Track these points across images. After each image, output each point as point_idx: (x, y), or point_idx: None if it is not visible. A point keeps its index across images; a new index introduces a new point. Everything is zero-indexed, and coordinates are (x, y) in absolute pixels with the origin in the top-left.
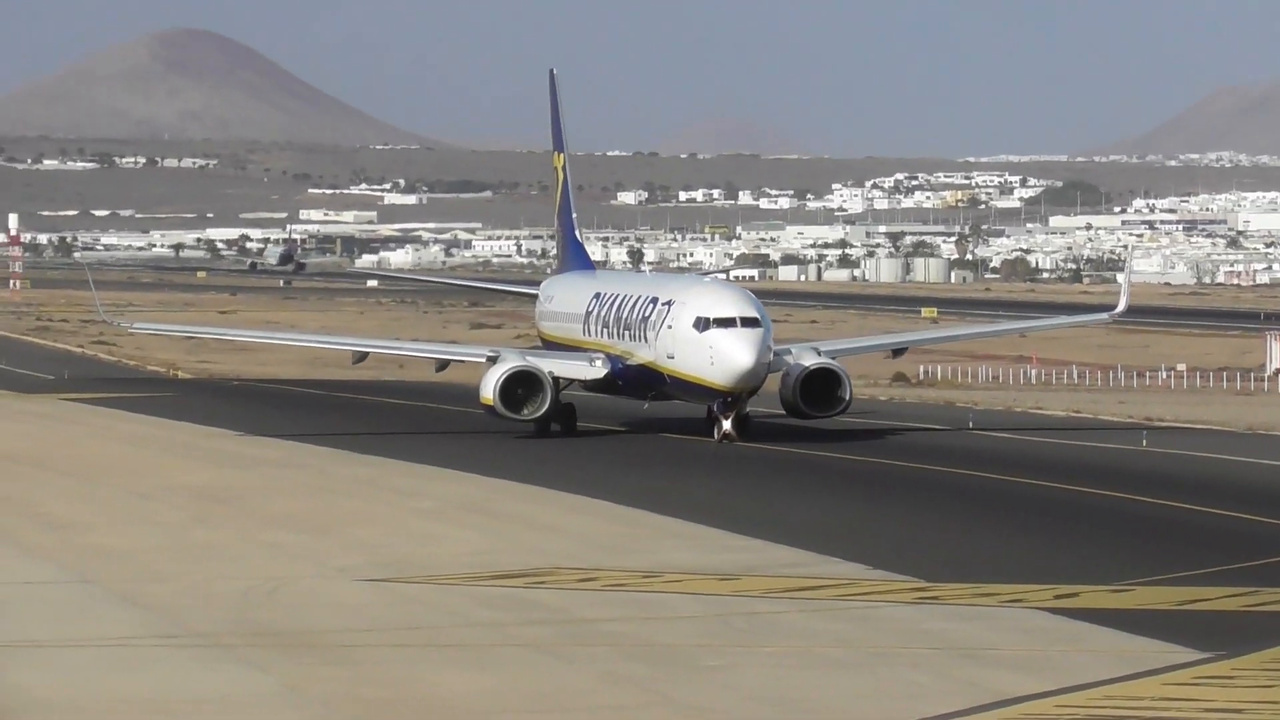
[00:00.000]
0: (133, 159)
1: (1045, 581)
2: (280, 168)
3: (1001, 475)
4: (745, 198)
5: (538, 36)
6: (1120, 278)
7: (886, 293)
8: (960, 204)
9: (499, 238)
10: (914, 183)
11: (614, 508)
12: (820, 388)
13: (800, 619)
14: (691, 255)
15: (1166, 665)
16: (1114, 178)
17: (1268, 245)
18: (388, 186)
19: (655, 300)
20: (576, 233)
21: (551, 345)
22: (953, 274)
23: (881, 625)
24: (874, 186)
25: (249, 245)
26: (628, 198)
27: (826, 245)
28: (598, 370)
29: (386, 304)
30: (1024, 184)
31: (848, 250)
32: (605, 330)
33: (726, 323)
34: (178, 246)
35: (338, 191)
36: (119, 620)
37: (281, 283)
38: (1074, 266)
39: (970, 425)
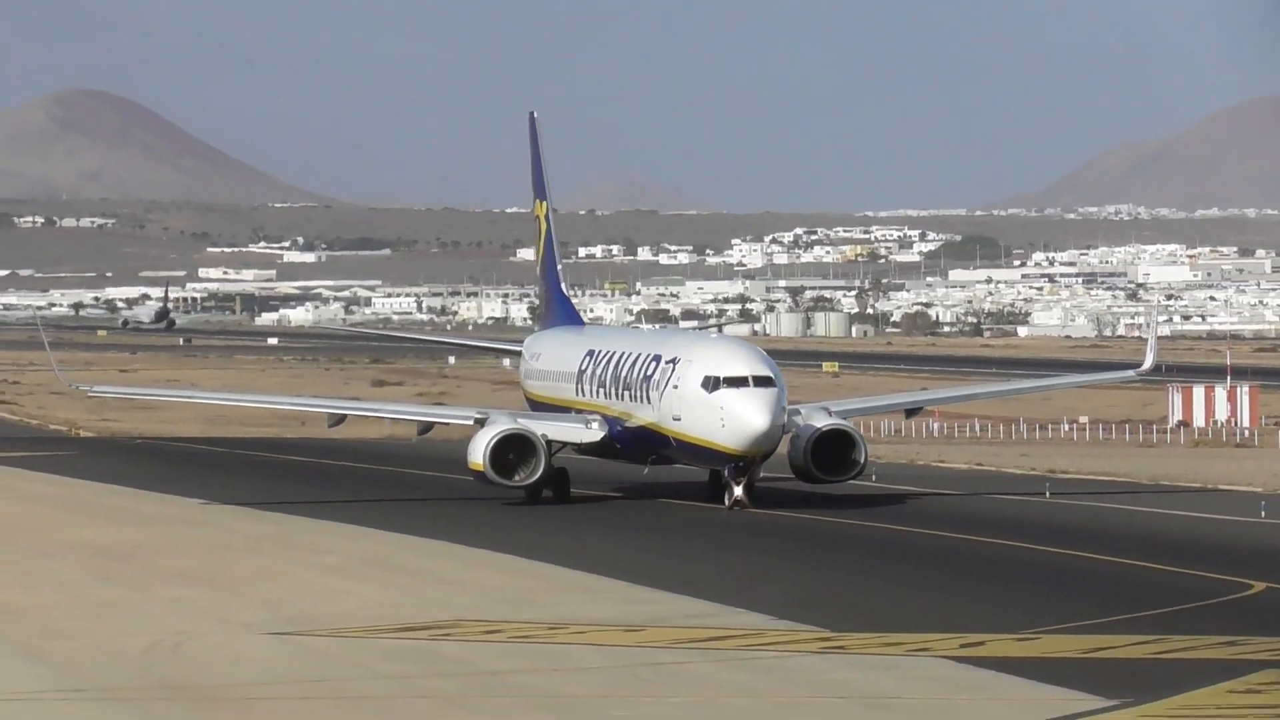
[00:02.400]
0: (30, 219)
1: (951, 630)
2: (179, 226)
3: (906, 527)
4: (644, 253)
5: (436, 95)
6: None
7: (788, 347)
8: (860, 258)
9: (399, 294)
10: (813, 237)
11: (518, 561)
12: (832, 450)
13: (706, 669)
14: (592, 310)
15: (1074, 713)
16: (1013, 231)
17: (1167, 298)
18: (287, 244)
19: (659, 358)
20: (563, 286)
21: (538, 406)
22: (854, 328)
23: (788, 675)
24: (773, 241)
25: (119, 305)
26: (527, 254)
27: (727, 300)
28: (595, 433)
29: (287, 361)
30: (923, 238)
31: (748, 305)
32: (602, 390)
33: (738, 382)
34: (77, 305)
35: (237, 250)
36: (23, 675)
37: (181, 341)
38: (974, 320)
39: (874, 479)
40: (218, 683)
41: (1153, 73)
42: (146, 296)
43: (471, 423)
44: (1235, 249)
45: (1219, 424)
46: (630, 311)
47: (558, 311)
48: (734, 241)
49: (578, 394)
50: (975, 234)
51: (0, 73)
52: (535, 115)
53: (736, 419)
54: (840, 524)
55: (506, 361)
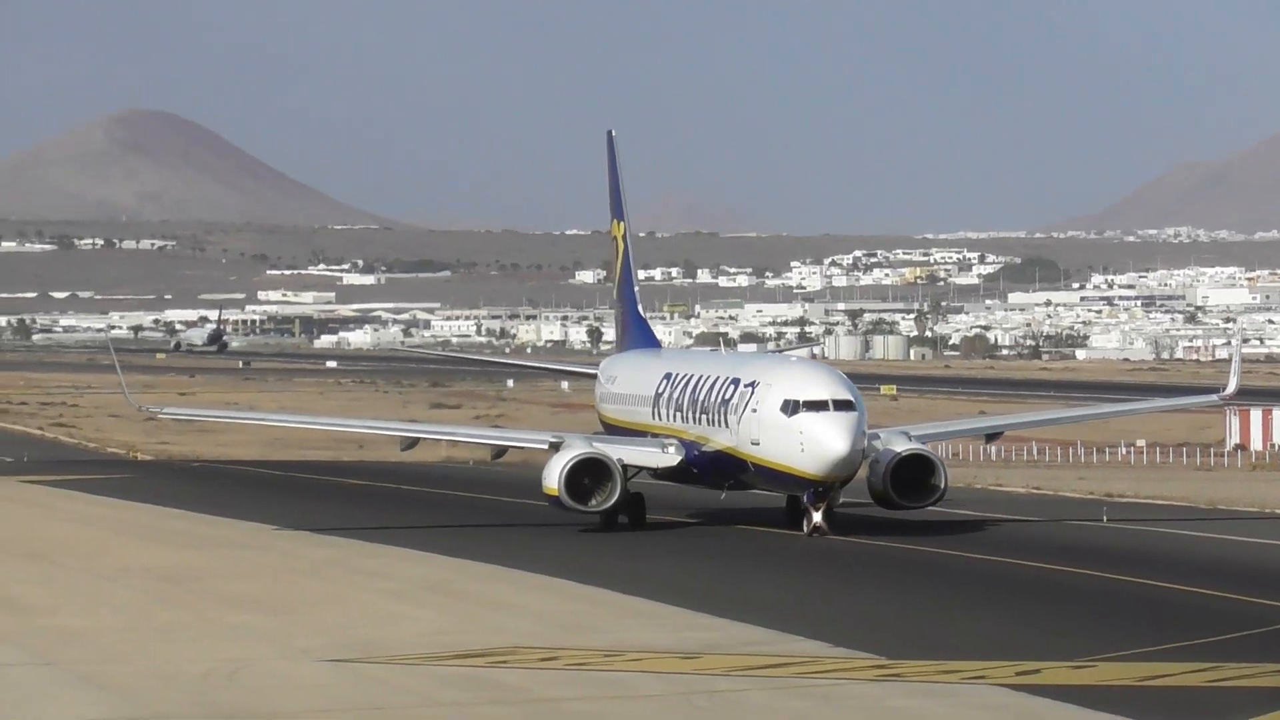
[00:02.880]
0: (90, 241)
1: (1007, 658)
2: (238, 248)
3: (963, 552)
4: (704, 276)
5: (497, 116)
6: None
7: (846, 370)
8: (919, 280)
9: (458, 317)
10: (873, 259)
11: (575, 586)
12: (912, 475)
13: (763, 697)
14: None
15: None
16: (1072, 253)
17: (1226, 320)
18: (346, 267)
19: (737, 381)
20: (639, 308)
21: (613, 429)
22: (912, 351)
23: (844, 703)
24: (832, 264)
25: (178, 327)
26: (586, 276)
27: (785, 323)
28: (671, 457)
29: (345, 384)
30: (983, 260)
31: (807, 328)
32: (679, 414)
33: (818, 405)
34: (137, 328)
35: (296, 272)
36: (81, 702)
37: (240, 364)
38: (1033, 343)
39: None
40: (274, 710)
41: (1213, 94)
42: (205, 319)
43: (546, 447)
44: None
45: (1276, 447)
46: (689, 334)
47: (635, 334)
48: (793, 264)
49: (654, 418)
50: (1034, 256)
51: (61, 93)
52: (613, 134)
53: (816, 443)
54: (907, 549)
55: (565, 384)
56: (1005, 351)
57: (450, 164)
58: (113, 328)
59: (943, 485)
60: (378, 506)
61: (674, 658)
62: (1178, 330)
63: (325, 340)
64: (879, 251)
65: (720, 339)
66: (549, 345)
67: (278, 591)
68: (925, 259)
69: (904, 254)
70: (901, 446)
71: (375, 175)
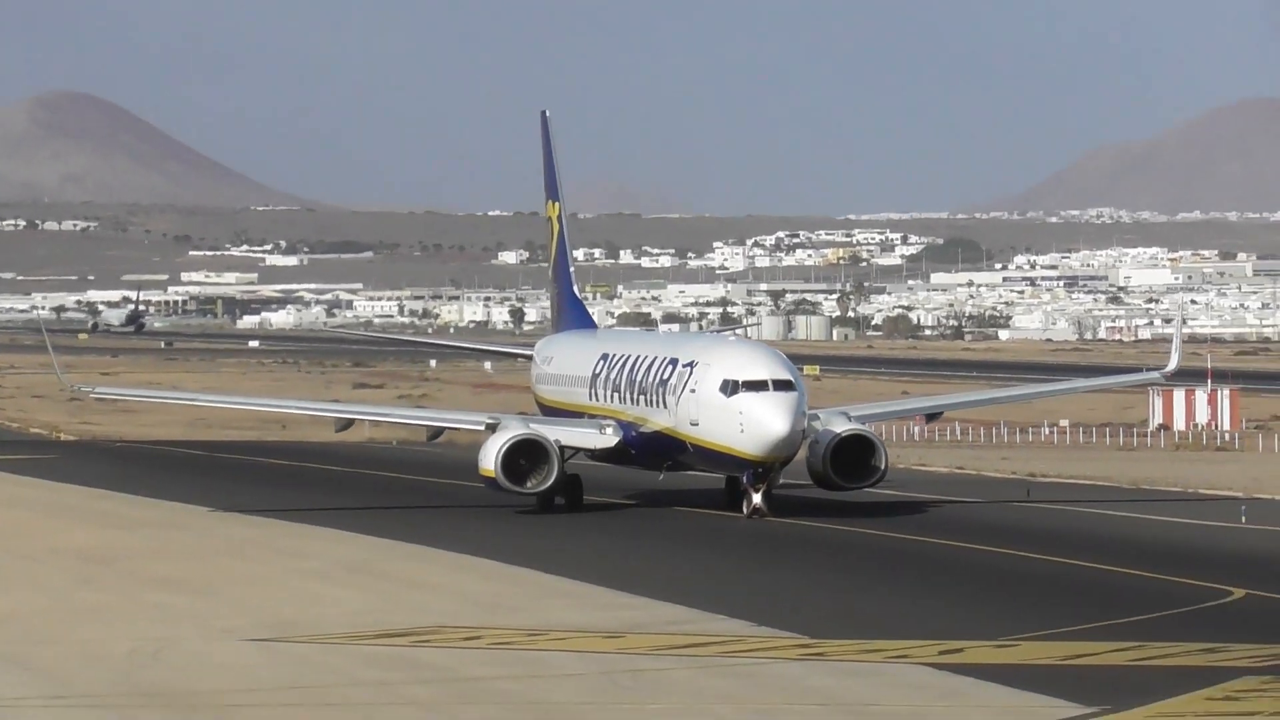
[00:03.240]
0: (13, 222)
1: (930, 637)
2: (161, 230)
3: (885, 532)
4: (627, 257)
5: (418, 97)
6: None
7: None
8: (842, 261)
9: (381, 298)
10: (795, 240)
11: (499, 566)
12: (852, 457)
13: (686, 676)
14: None
15: (1054, 719)
16: (995, 234)
17: (1148, 301)
18: (269, 248)
19: (675, 361)
20: (575, 288)
21: (550, 410)
22: (834, 331)
23: (767, 682)
24: (755, 245)
25: (99, 308)
26: (509, 257)
27: (708, 303)
28: (609, 438)
29: (268, 364)
30: (905, 241)
31: (729, 308)
32: (616, 394)
33: (757, 385)
34: (59, 308)
35: (219, 253)
36: (5, 682)
37: (163, 344)
38: (955, 323)
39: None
40: (198, 689)
41: (1137, 76)
42: (127, 300)
43: (483, 428)
44: (1217, 253)
45: (1199, 427)
46: (612, 315)
47: (570, 314)
48: (716, 245)
49: (591, 399)
50: (957, 237)
51: None
52: (548, 115)
53: (756, 424)
54: (838, 530)
55: (488, 365)
56: (928, 332)
57: (372, 145)
58: (35, 308)
59: (883, 466)
60: (303, 488)
61: (597, 637)
62: (1100, 311)
63: (248, 321)
64: (801, 232)
65: (643, 320)
66: (472, 326)
67: (201, 571)
68: (848, 240)
69: (826, 235)
70: (841, 427)
71: (297, 157)
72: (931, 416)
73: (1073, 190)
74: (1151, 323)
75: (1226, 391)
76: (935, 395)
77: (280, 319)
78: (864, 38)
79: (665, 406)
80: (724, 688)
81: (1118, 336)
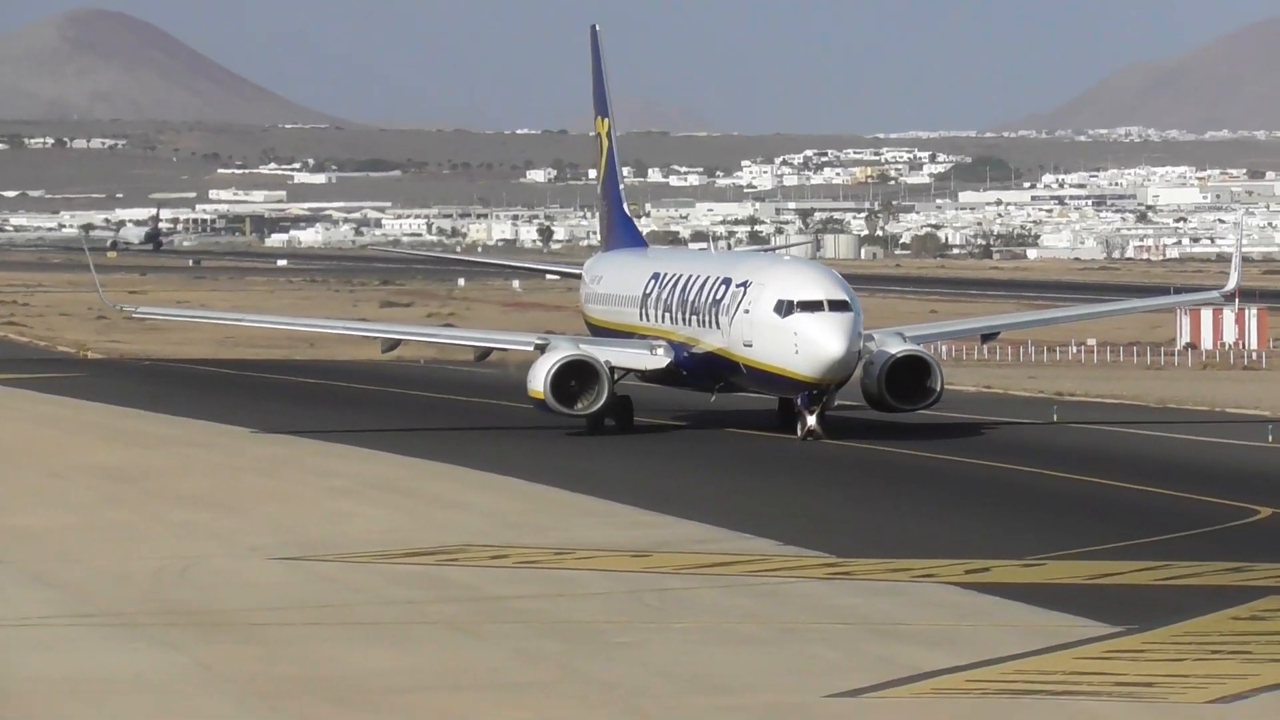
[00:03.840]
0: (41, 140)
1: (956, 556)
2: (190, 148)
3: (913, 451)
4: (654, 175)
5: (444, 14)
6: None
7: None
8: (870, 180)
9: (408, 216)
10: (823, 159)
11: (526, 485)
12: (907, 377)
13: (711, 595)
14: (598, 233)
15: (1077, 640)
16: (1023, 153)
17: (1176, 220)
18: (297, 166)
19: (728, 281)
20: (625, 206)
21: (599, 331)
22: (863, 250)
23: (792, 601)
24: (783, 163)
25: (128, 225)
26: (537, 175)
27: (737, 221)
28: (659, 359)
29: (296, 283)
30: (933, 160)
31: (757, 227)
32: (668, 315)
33: (813, 306)
34: (87, 226)
35: (247, 171)
36: (33, 600)
37: (191, 262)
38: (983, 242)
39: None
40: (225, 608)
41: None
42: (156, 218)
43: (532, 349)
44: (1245, 171)
45: (1227, 346)
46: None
47: (620, 233)
48: (744, 163)
49: (642, 319)
50: (985, 155)
51: None
52: (597, 29)
53: (811, 345)
54: (843, 448)
55: (516, 284)
56: (956, 251)
57: (400, 63)
58: (63, 226)
59: (938, 388)
60: (331, 406)
61: (624, 556)
62: (1129, 229)
63: (276, 239)
64: (829, 151)
65: (671, 239)
66: (500, 244)
67: (228, 490)
68: (876, 158)
69: (855, 153)
70: (896, 348)
71: (326, 75)
72: (987, 336)
73: (1101, 109)
74: (1180, 241)
75: (1254, 310)
76: (991, 315)
77: (309, 237)
78: None
79: (718, 327)
80: (749, 606)
81: (1145, 255)
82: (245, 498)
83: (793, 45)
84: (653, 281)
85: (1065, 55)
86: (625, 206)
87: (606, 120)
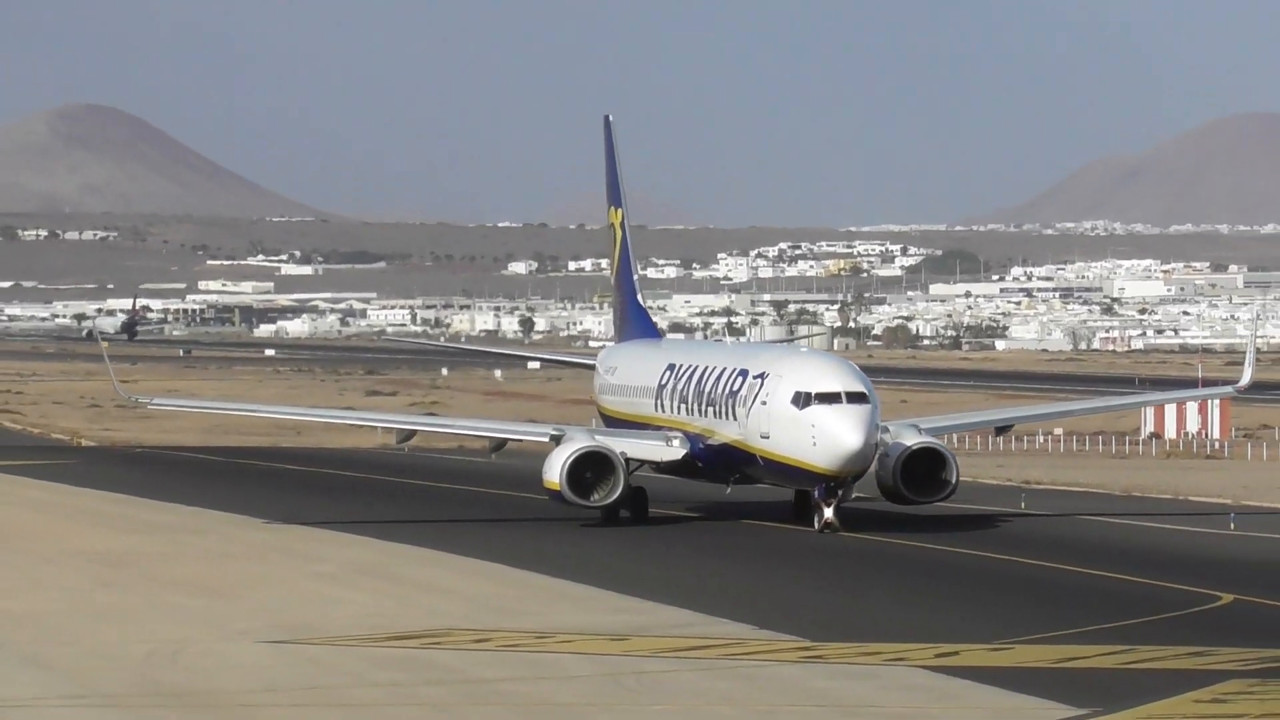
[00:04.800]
0: (34, 231)
1: (927, 640)
2: (179, 240)
3: (884, 538)
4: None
5: (428, 108)
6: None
7: None
8: (843, 272)
9: (393, 307)
10: (797, 252)
11: (507, 570)
12: (922, 470)
13: (689, 678)
14: (581, 323)
15: None
16: (992, 246)
17: (1141, 312)
18: (284, 258)
19: (745, 372)
20: (639, 297)
21: (613, 421)
22: (835, 341)
23: (768, 684)
24: (758, 256)
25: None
26: (519, 268)
27: (713, 313)
28: (675, 450)
29: (284, 372)
30: (905, 252)
31: (733, 318)
32: (683, 406)
33: (830, 398)
34: (80, 316)
35: (235, 262)
36: (25, 681)
37: (181, 352)
38: (953, 333)
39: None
40: (215, 690)
41: (1131, 90)
42: (147, 308)
43: (548, 439)
44: (1208, 264)
45: (1190, 436)
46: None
47: (634, 323)
48: (720, 256)
49: (657, 409)
50: (955, 249)
51: (4, 87)
52: (610, 119)
53: (829, 437)
54: (814, 535)
55: (499, 373)
56: (927, 341)
57: (384, 157)
58: (56, 316)
59: (954, 480)
60: (321, 493)
61: (603, 639)
62: (1095, 321)
63: (264, 329)
64: (803, 244)
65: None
66: (483, 334)
67: (218, 574)
68: (849, 251)
69: (828, 246)
70: (912, 440)
71: (312, 168)
72: (1002, 429)
73: (1068, 203)
74: (1144, 333)
75: (1216, 401)
76: (1006, 408)
77: (296, 327)
78: (866, 54)
79: (734, 418)
80: (726, 689)
81: (1111, 347)
82: (235, 582)
83: (768, 140)
84: (668, 372)
85: (1033, 150)
86: (639, 297)
87: (620, 210)
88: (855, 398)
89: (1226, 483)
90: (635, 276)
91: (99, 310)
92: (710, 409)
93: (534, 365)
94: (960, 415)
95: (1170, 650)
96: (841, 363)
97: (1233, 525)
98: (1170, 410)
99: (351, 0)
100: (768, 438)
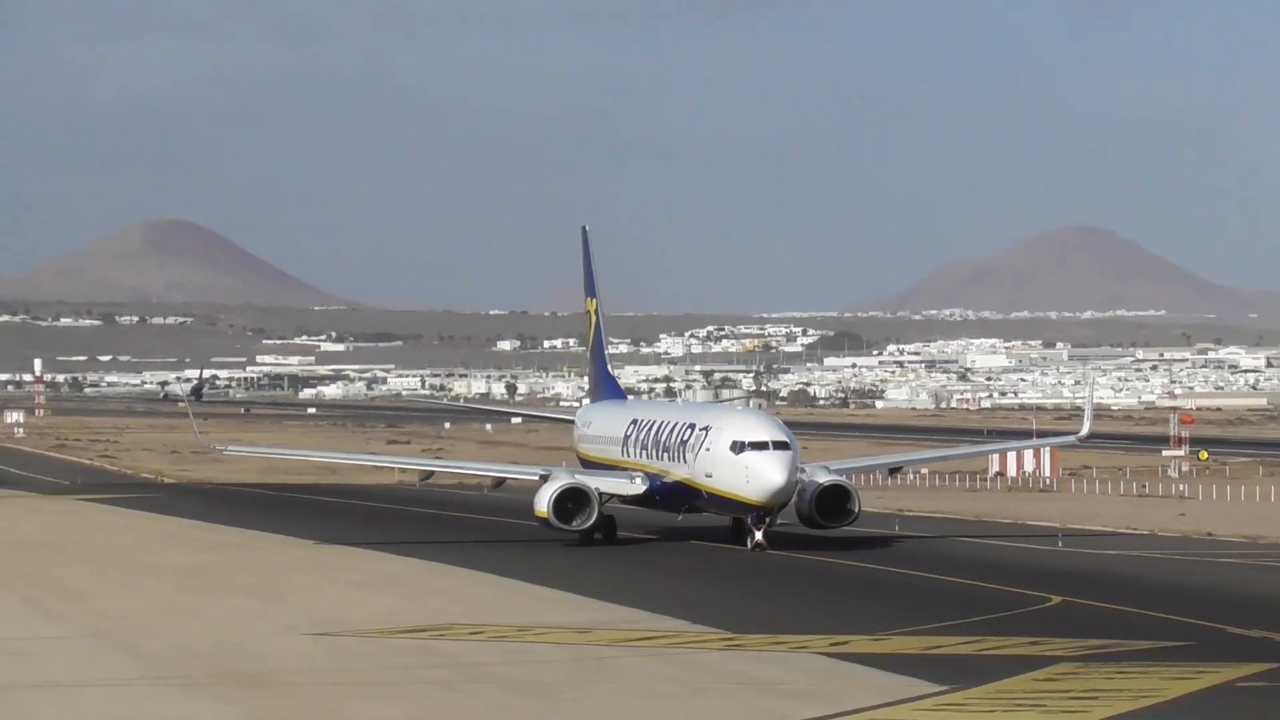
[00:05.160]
0: (129, 318)
1: (824, 632)
2: (242, 324)
3: (800, 555)
4: None
5: (437, 222)
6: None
7: None
8: (757, 349)
9: (407, 375)
10: (721, 333)
11: (498, 578)
12: (831, 503)
13: (637, 662)
14: (553, 389)
15: (915, 695)
16: (873, 328)
17: (988, 379)
18: (323, 337)
19: (693, 426)
20: (609, 367)
21: (589, 464)
22: (751, 402)
23: (699, 667)
24: (691, 335)
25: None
26: (505, 345)
27: (655, 380)
28: (638, 487)
29: (322, 425)
30: (805, 333)
31: (671, 384)
32: (644, 451)
33: (760, 446)
34: (164, 383)
35: (285, 341)
36: (121, 666)
37: (242, 410)
38: (842, 395)
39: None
40: (268, 672)
41: (982, 206)
42: (216, 376)
43: (537, 478)
44: (1040, 342)
45: (1027, 474)
46: (582, 388)
47: (604, 387)
48: (661, 335)
49: (623, 455)
50: (844, 330)
51: (107, 204)
52: (587, 228)
53: (759, 476)
54: (724, 550)
55: (489, 427)
56: (822, 401)
57: (402, 259)
58: (145, 383)
59: (856, 510)
60: (352, 518)
61: (571, 632)
62: (952, 386)
63: (307, 393)
64: (726, 326)
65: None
66: (477, 397)
67: (270, 582)
68: (761, 332)
69: (745, 329)
70: (824, 478)
71: (346, 268)
72: (894, 470)
73: (931, 294)
74: (991, 395)
75: (1047, 451)
76: (897, 452)
77: (331, 391)
78: (780, 176)
79: (685, 461)
80: (666, 671)
81: (965, 405)
82: (283, 588)
83: (700, 245)
84: (632, 425)
85: (905, 253)
86: (609, 367)
87: (594, 300)
88: (779, 445)
89: (1055, 510)
90: (606, 351)
91: (176, 378)
92: (665, 454)
93: (516, 420)
94: (860, 459)
95: (1013, 640)
96: (768, 418)
97: (1060, 543)
98: (1012, 453)
99: (380, 134)
100: (711, 476)
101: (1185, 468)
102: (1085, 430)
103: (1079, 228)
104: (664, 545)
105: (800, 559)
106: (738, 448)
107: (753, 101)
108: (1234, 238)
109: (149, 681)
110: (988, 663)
